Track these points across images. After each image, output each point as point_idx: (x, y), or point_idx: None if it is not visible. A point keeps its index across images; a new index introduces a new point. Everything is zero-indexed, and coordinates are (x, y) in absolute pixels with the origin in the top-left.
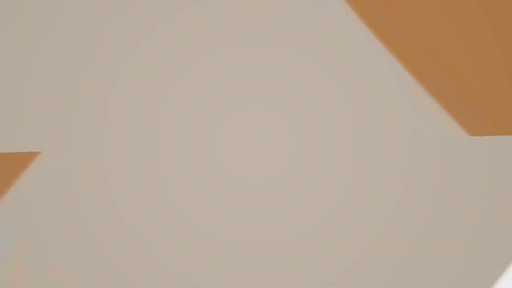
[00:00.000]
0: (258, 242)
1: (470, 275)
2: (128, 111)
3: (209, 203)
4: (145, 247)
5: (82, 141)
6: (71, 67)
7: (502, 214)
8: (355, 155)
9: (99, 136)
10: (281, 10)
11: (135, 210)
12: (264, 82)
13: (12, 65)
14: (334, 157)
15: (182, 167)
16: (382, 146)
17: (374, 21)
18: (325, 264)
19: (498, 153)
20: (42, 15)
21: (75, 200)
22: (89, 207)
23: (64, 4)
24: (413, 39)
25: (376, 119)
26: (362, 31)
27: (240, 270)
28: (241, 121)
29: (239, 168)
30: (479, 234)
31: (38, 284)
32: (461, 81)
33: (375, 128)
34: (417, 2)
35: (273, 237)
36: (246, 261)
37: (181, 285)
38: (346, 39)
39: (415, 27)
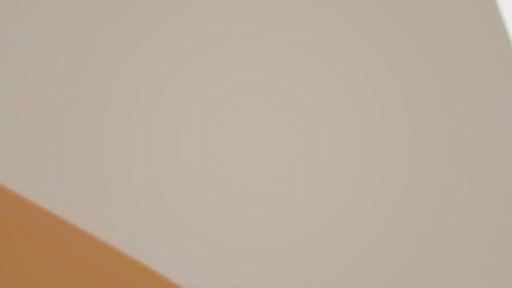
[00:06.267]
0: (258, 242)
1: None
2: (128, 111)
3: (209, 203)
4: (145, 247)
5: (81, 141)
6: (70, 67)
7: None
8: (355, 155)
9: (99, 136)
10: (281, 10)
11: (134, 209)
12: (264, 82)
13: (12, 64)
14: (334, 157)
15: (182, 167)
16: (382, 146)
17: None
18: (325, 264)
19: None
20: (42, 14)
21: (74, 199)
22: (89, 206)
23: (64, 3)
24: None
25: (376, 119)
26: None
27: (240, 270)
28: (241, 121)
29: (239, 168)
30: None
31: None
32: None
33: (375, 128)
34: None
35: (273, 237)
36: (246, 261)
37: (181, 285)
38: (346, 39)
39: None
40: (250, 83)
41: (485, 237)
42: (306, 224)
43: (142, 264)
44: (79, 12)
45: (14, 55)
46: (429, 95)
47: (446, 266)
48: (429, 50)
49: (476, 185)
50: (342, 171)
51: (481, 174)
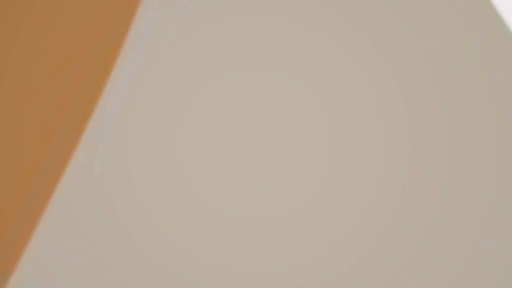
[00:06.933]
0: (258, 242)
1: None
2: (128, 111)
3: (209, 203)
4: (145, 247)
5: (82, 141)
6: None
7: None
8: (355, 155)
9: (99, 136)
10: (281, 10)
11: (135, 209)
12: (264, 82)
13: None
14: (334, 157)
15: (182, 167)
16: (382, 146)
17: None
18: (325, 264)
19: None
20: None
21: (74, 199)
22: (89, 206)
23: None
24: None
25: (376, 119)
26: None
27: (240, 270)
28: (241, 121)
29: (239, 168)
30: (481, 242)
31: (38, 283)
32: None
33: (375, 128)
34: None
35: (273, 237)
36: (246, 261)
37: (181, 285)
38: (346, 39)
39: None
40: (250, 83)
41: (485, 237)
42: (306, 224)
43: None
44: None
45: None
46: (429, 95)
47: (446, 266)
48: (429, 50)
49: (476, 185)
50: (342, 171)
51: (481, 174)
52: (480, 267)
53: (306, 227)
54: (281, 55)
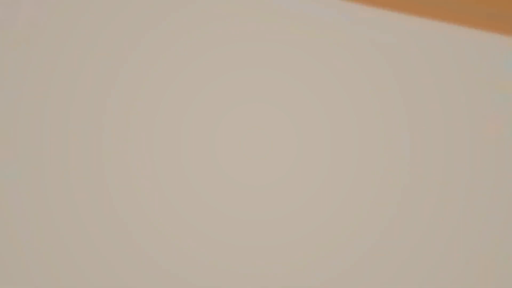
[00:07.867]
0: (258, 242)
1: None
2: (128, 111)
3: (209, 203)
4: (145, 247)
5: (82, 141)
6: (71, 67)
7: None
8: (355, 155)
9: (99, 136)
10: (281, 10)
11: (135, 209)
12: (264, 82)
13: (11, 64)
14: (334, 157)
15: (182, 167)
16: (381, 146)
17: None
18: (324, 264)
19: None
20: (43, 14)
21: (75, 199)
22: (89, 206)
23: (65, 3)
24: None
25: (377, 119)
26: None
27: (240, 270)
28: (241, 121)
29: (239, 168)
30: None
31: (37, 283)
32: None
33: (375, 128)
34: None
35: (273, 237)
36: (246, 261)
37: (181, 285)
38: (346, 39)
39: None
40: (250, 83)
41: (485, 237)
42: (305, 224)
43: None
44: (81, 11)
45: (14, 56)
46: (429, 96)
47: (446, 266)
48: (429, 49)
49: (475, 185)
50: (342, 172)
51: (481, 174)
52: (480, 267)
53: (305, 227)
54: (281, 55)
